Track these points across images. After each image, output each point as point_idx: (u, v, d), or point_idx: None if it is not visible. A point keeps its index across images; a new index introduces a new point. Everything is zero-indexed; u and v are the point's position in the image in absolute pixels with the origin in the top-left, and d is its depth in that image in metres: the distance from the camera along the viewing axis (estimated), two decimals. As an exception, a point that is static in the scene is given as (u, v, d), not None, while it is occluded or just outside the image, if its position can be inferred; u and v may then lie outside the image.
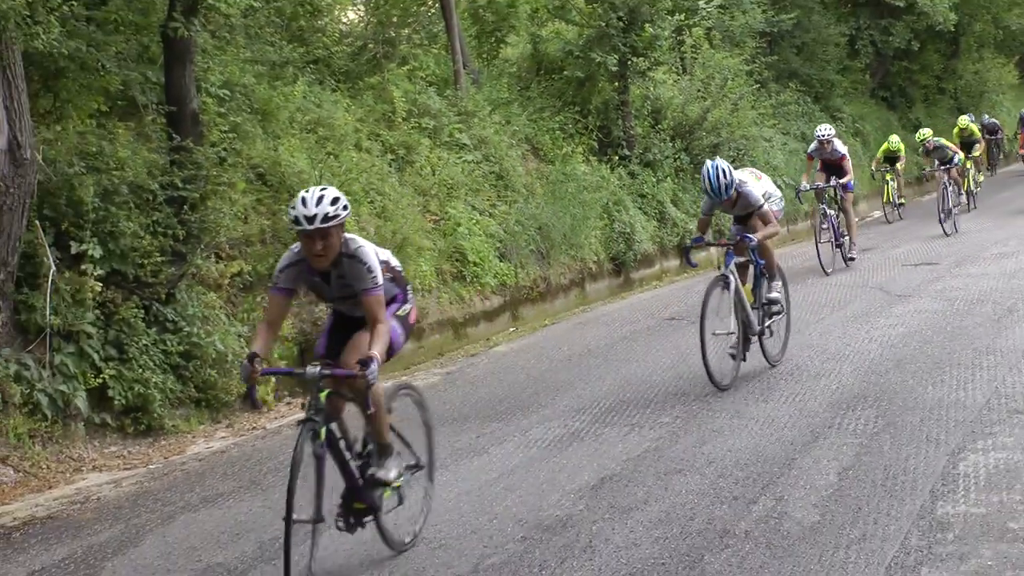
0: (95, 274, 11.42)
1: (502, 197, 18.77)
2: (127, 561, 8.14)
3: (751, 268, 12.47)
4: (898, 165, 28.00)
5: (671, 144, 23.28)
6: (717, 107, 24.17)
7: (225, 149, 13.65)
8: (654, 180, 22.42)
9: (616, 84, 22.23)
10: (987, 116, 38.95)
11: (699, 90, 24.32)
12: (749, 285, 12.36)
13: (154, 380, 11.72)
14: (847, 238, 20.75)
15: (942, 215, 23.56)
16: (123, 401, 11.49)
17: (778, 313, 12.76)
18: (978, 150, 30.02)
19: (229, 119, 14.07)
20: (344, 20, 20.35)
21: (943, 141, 25.29)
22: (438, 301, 16.21)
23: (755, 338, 12.30)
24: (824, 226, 20.37)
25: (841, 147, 20.92)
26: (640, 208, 21.83)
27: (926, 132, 26.81)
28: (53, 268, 11.18)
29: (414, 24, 20.30)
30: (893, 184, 28.10)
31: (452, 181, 17.79)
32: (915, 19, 33.48)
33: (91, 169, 11.77)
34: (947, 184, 23.95)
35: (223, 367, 12.54)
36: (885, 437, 9.56)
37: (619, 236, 20.78)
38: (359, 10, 21.04)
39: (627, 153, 22.25)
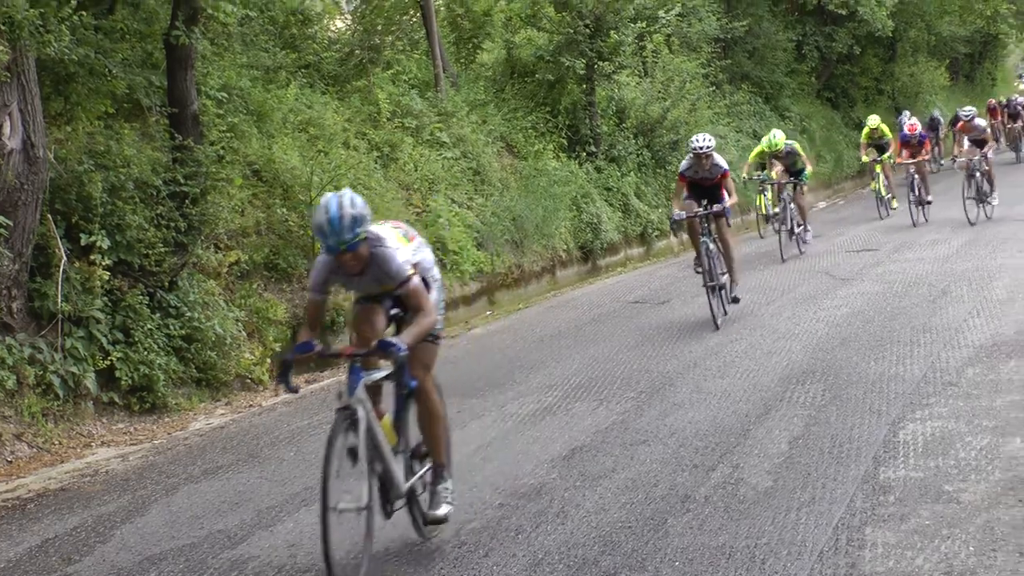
0: (103, 264, 11.35)
1: (479, 191, 18.73)
2: (134, 529, 8.08)
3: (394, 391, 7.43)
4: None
5: (634, 141, 23.28)
6: (676, 107, 24.15)
7: (223, 148, 13.60)
8: (619, 174, 22.42)
9: (583, 86, 22.20)
10: (936, 112, 38.40)
11: (659, 91, 24.30)
12: (389, 418, 7.35)
13: (158, 362, 11.66)
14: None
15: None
16: (129, 381, 11.42)
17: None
18: (890, 151, 25.42)
19: (227, 120, 14.03)
20: (332, 28, 20.27)
21: (796, 146, 21.27)
22: (421, 286, 16.13)
23: (402, 501, 7.14)
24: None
25: (722, 162, 14.53)
26: (606, 200, 21.80)
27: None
28: (64, 258, 11.10)
29: (397, 31, 20.20)
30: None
31: (433, 176, 17.74)
32: (856, 26, 33.55)
33: (99, 167, 11.70)
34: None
35: (222, 349, 12.48)
36: (832, 409, 9.56)
37: (587, 226, 20.75)
38: (346, 18, 20.96)
39: (594, 150, 22.22)
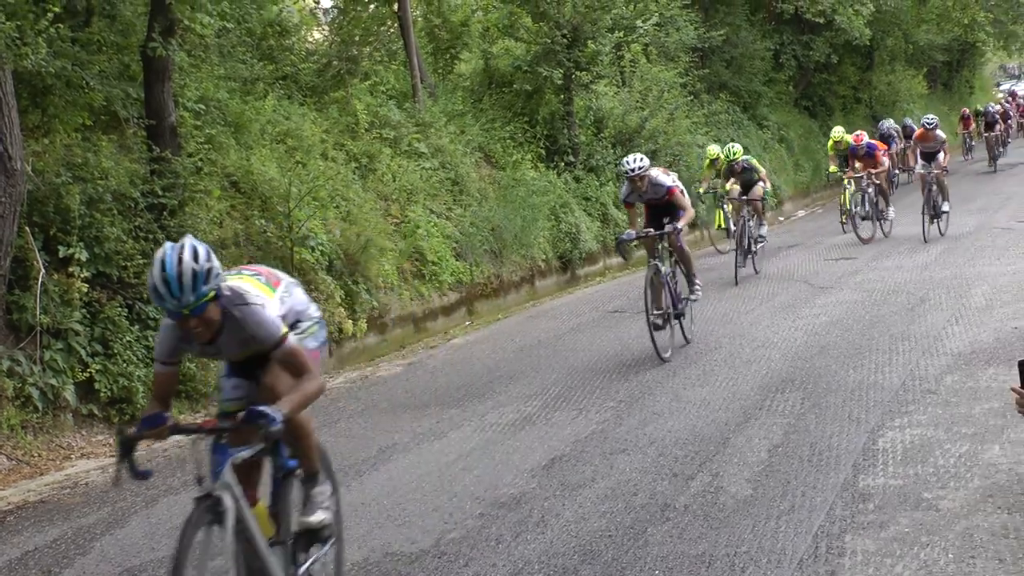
0: (81, 276, 11.35)
1: (458, 201, 18.75)
2: (114, 541, 8.08)
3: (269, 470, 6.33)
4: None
5: (612, 151, 23.30)
6: (654, 116, 24.23)
7: (201, 159, 13.60)
8: (597, 184, 22.47)
9: (561, 96, 22.24)
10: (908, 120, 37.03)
11: (638, 101, 24.37)
12: (264, 503, 6.20)
13: (137, 373, 11.64)
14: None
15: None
16: (109, 393, 11.41)
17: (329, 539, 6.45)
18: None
19: (205, 131, 14.02)
20: (310, 39, 20.30)
21: (753, 161, 20.20)
22: (399, 298, 16.18)
23: None
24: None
25: (665, 179, 13.12)
26: (584, 210, 21.84)
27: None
28: (42, 271, 11.08)
29: (375, 42, 20.26)
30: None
31: (411, 187, 17.76)
32: (834, 35, 33.69)
33: (77, 179, 11.68)
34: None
35: (200, 361, 12.47)
36: (811, 417, 9.61)
37: (565, 236, 20.80)
38: (324, 30, 21.01)
39: (572, 160, 22.26)
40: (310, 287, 14.28)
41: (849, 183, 23.12)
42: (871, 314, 14.12)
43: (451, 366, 13.83)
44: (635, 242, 13.81)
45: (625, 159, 13.04)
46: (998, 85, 73.75)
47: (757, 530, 7.05)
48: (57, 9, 11.41)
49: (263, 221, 14.37)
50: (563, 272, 20.95)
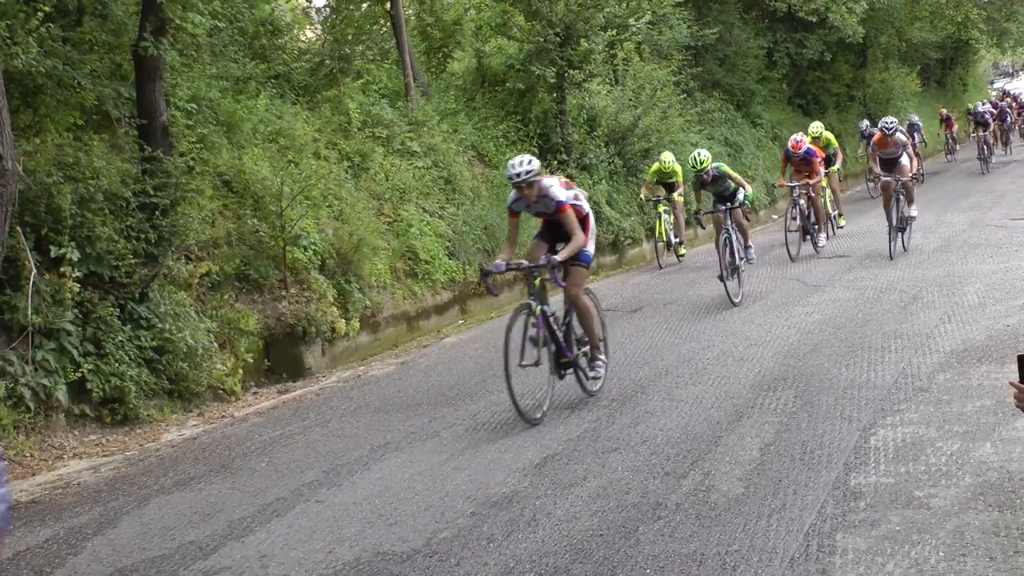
0: (73, 276, 11.33)
1: (450, 200, 18.77)
2: (106, 541, 8.08)
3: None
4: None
5: (606, 149, 23.34)
6: (647, 115, 24.24)
7: (193, 159, 13.58)
8: (590, 183, 22.45)
9: (554, 95, 22.26)
10: (914, 116, 36.71)
11: (631, 99, 24.38)
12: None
13: (129, 373, 11.65)
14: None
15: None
16: (101, 393, 11.41)
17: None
18: (837, 162, 23.77)
19: (196, 131, 14.01)
20: (302, 38, 20.28)
21: (724, 168, 17.22)
22: (392, 297, 16.19)
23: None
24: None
25: (558, 193, 10.64)
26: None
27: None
28: (34, 271, 11.07)
29: (367, 41, 20.23)
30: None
31: (404, 186, 17.77)
32: (827, 33, 33.74)
33: (68, 178, 11.67)
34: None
35: (194, 360, 12.49)
36: (803, 415, 9.61)
37: (559, 235, 20.78)
38: (316, 29, 20.98)
39: (565, 158, 22.27)
40: (302, 286, 14.32)
41: (823, 188, 21.74)
42: (864, 312, 14.12)
43: (444, 365, 13.83)
44: (506, 274, 11.48)
45: (512, 161, 10.71)
46: (992, 83, 73.86)
47: (748, 528, 7.05)
48: (48, 8, 11.39)
49: (255, 220, 14.38)
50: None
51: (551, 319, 10.44)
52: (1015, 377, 4.86)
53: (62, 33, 12.07)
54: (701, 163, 16.72)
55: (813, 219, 20.19)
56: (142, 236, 12.23)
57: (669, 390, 11.04)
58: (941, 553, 6.32)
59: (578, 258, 10.63)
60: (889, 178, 18.53)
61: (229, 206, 14.38)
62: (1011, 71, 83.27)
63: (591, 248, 10.81)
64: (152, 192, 12.48)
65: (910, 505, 7.17)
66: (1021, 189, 27.55)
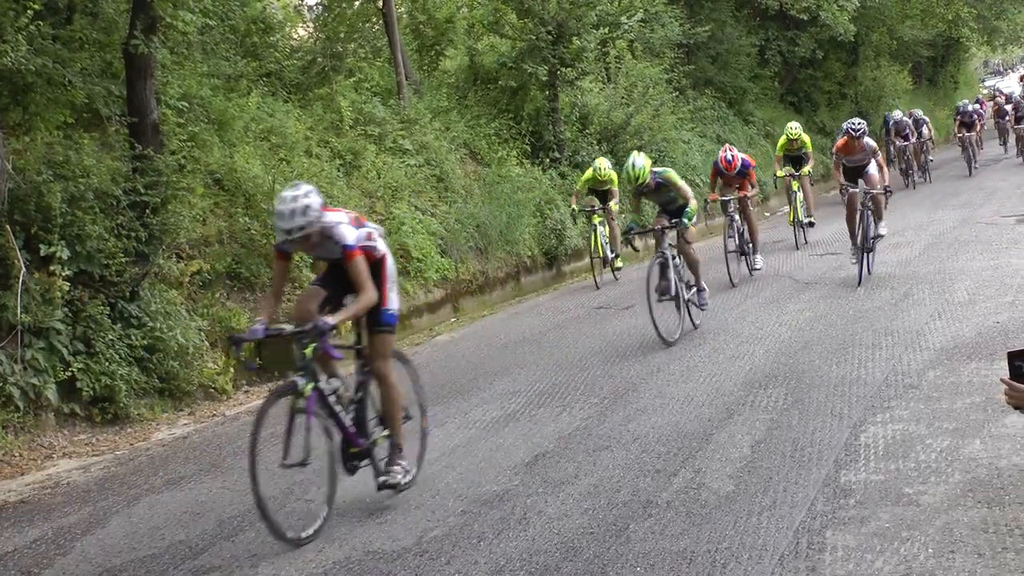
0: (63, 274, 11.30)
1: (443, 198, 18.75)
2: (95, 541, 8.05)
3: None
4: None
5: (598, 147, 23.33)
6: (639, 113, 24.25)
7: (184, 157, 13.56)
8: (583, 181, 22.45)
9: (546, 92, 22.26)
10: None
11: (623, 97, 24.40)
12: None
13: (120, 372, 11.62)
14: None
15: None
16: (91, 392, 11.38)
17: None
18: (807, 167, 21.25)
19: (187, 129, 13.98)
20: (294, 36, 20.26)
21: (669, 175, 13.54)
22: (385, 294, 16.14)
23: None
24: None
25: (344, 235, 7.66)
26: (570, 206, 21.83)
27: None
28: (23, 269, 11.04)
29: (359, 39, 20.20)
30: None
31: (396, 184, 17.74)
32: (819, 31, 33.75)
33: (58, 177, 11.64)
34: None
35: (184, 359, 12.46)
36: (794, 412, 9.59)
37: (551, 232, 20.79)
38: (308, 26, 20.95)
39: (557, 156, 22.27)
40: (294, 284, 14.26)
41: (794, 192, 21.01)
42: (854, 309, 14.11)
43: (436, 363, 13.81)
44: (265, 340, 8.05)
45: (281, 195, 7.80)
46: (983, 81, 73.91)
47: (739, 526, 7.03)
48: (38, 6, 11.36)
49: (247, 219, 14.34)
50: (548, 268, 20.94)
51: (332, 397, 7.97)
52: (1005, 374, 4.85)
53: (52, 31, 12.04)
54: (636, 177, 13.18)
55: (747, 237, 17.73)
56: (133, 234, 12.20)
57: (660, 388, 11.02)
58: (930, 550, 6.31)
59: (380, 322, 8.14)
60: (856, 189, 15.85)
61: (220, 204, 14.35)
62: (1001, 69, 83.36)
63: (394, 303, 8.26)
64: (143, 190, 12.44)
65: (900, 502, 7.15)
66: (1012, 187, 27.53)
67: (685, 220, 13.30)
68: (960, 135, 33.11)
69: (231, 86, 16.01)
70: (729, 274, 17.04)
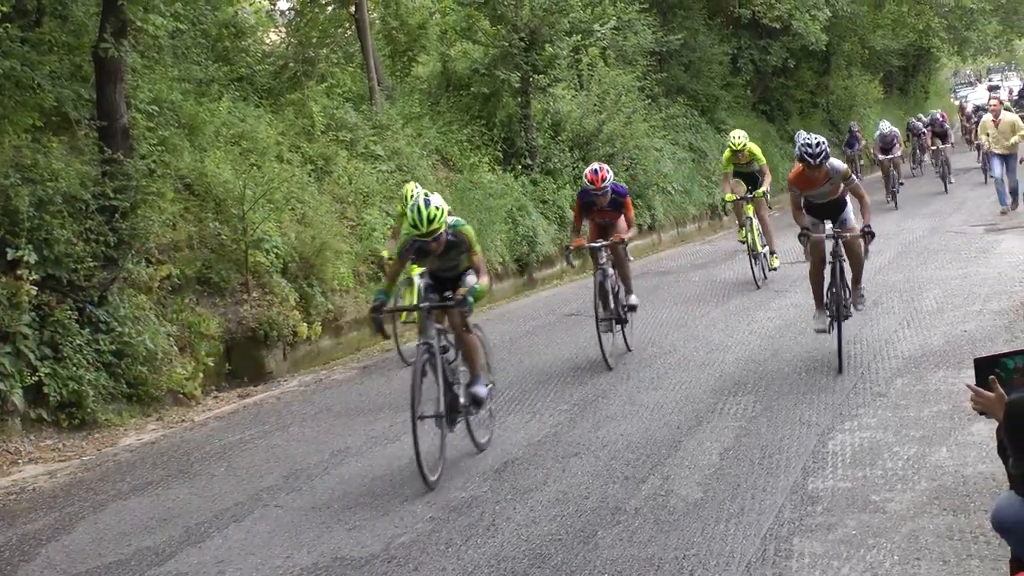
0: (31, 279, 11.24)
1: (414, 204, 18.71)
2: (60, 547, 8.01)
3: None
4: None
5: (570, 154, 23.34)
6: (612, 120, 24.27)
7: (154, 161, 13.52)
8: (554, 187, 22.48)
9: (519, 99, 22.26)
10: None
11: (595, 104, 24.41)
12: None
13: (88, 377, 11.56)
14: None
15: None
16: (58, 397, 11.31)
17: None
18: (763, 187, 17.46)
19: (158, 133, 13.94)
20: (266, 41, 20.21)
21: (466, 232, 9.41)
22: (355, 300, 16.12)
23: None
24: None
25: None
26: (542, 213, 21.84)
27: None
28: (-10, 273, 10.98)
29: (332, 44, 20.16)
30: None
31: (367, 189, 17.73)
32: (791, 39, 33.85)
33: (26, 180, 11.58)
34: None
35: (153, 364, 12.41)
36: (762, 420, 9.64)
37: (522, 239, 20.80)
38: (280, 31, 20.91)
39: (529, 163, 22.27)
40: (264, 290, 14.25)
41: (748, 217, 17.36)
42: (824, 317, 14.14)
43: (406, 369, 13.76)
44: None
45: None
46: (954, 91, 74.32)
47: (706, 533, 7.06)
48: (6, 9, 11.32)
49: (217, 224, 14.30)
50: (520, 275, 20.94)
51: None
52: (973, 382, 4.88)
53: (21, 34, 11.98)
54: (429, 218, 8.91)
55: (624, 299, 13.09)
56: (101, 239, 12.15)
57: (630, 395, 11.04)
58: (896, 557, 6.35)
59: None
60: (819, 236, 11.50)
61: (191, 209, 14.30)
62: (971, 80, 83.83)
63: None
64: (112, 195, 12.40)
65: (866, 509, 7.19)
66: (980, 196, 27.67)
67: (470, 298, 9.16)
68: (934, 147, 32.08)
69: (202, 90, 15.96)
70: (603, 353, 12.39)
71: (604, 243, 12.82)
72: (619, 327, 12.92)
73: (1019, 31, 52.23)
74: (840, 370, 11.02)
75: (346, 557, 7.25)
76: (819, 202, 11.69)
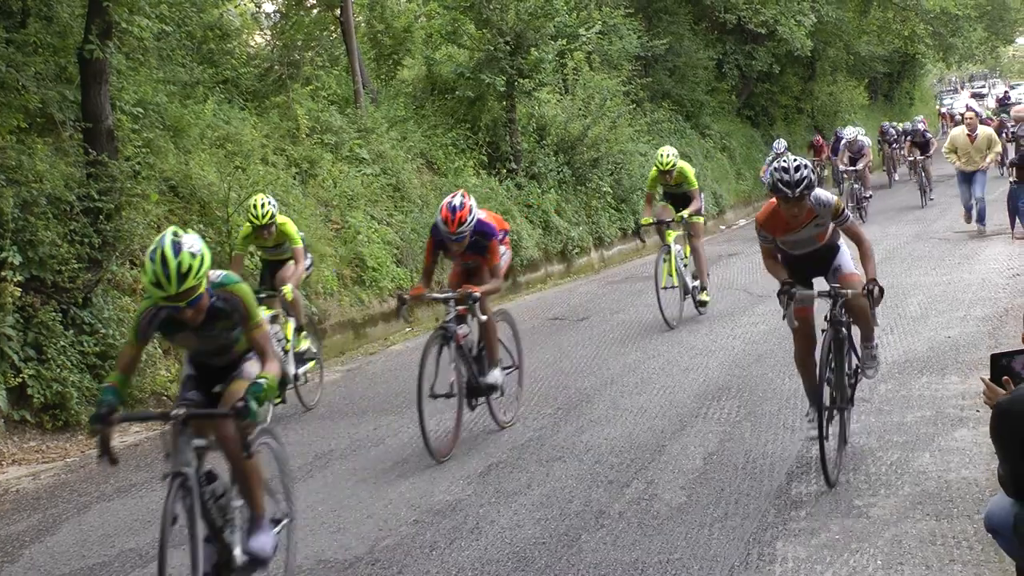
0: (15, 280, 11.20)
1: (399, 207, 18.73)
2: (44, 548, 8.01)
3: None
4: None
5: (555, 158, 23.38)
6: (597, 124, 24.30)
7: (139, 163, 13.50)
8: (539, 192, 22.50)
9: (504, 103, 22.28)
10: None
11: (580, 109, 24.44)
12: None
13: (71, 379, 11.53)
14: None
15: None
16: (42, 399, 11.29)
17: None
18: (694, 206, 14.79)
19: (143, 135, 13.91)
20: (251, 43, 20.19)
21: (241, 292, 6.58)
22: (339, 303, 16.14)
23: None
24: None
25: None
26: (527, 218, 21.85)
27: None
28: (-26, 275, 10.96)
29: (317, 47, 20.15)
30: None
31: (352, 192, 17.73)
32: (776, 45, 33.98)
33: (11, 182, 11.55)
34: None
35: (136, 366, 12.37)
36: (746, 425, 9.69)
37: (507, 243, 20.79)
38: (265, 34, 20.89)
39: (514, 167, 22.28)
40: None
41: (667, 246, 14.70)
42: (808, 323, 14.19)
43: (390, 372, 13.80)
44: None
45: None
46: (938, 98, 74.58)
47: (690, 537, 7.10)
48: (-9, 10, 11.31)
49: (202, 226, 14.27)
50: (504, 279, 20.92)
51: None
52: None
53: (5, 35, 11.97)
54: (181, 281, 6.04)
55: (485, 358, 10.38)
56: (86, 240, 12.14)
57: (614, 399, 11.08)
58: (879, 561, 6.40)
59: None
60: (809, 293, 8.79)
61: (175, 211, 14.28)
62: (954, 87, 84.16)
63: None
64: (96, 196, 12.38)
65: (850, 514, 7.25)
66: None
67: (252, 404, 6.11)
68: (913, 158, 29.66)
69: (187, 93, 15.94)
70: (428, 444, 9.48)
71: (451, 295, 10.03)
72: (468, 406, 10.08)
73: (1004, 38, 52.53)
74: (829, 485, 7.83)
75: (330, 560, 7.28)
76: (798, 252, 8.71)
